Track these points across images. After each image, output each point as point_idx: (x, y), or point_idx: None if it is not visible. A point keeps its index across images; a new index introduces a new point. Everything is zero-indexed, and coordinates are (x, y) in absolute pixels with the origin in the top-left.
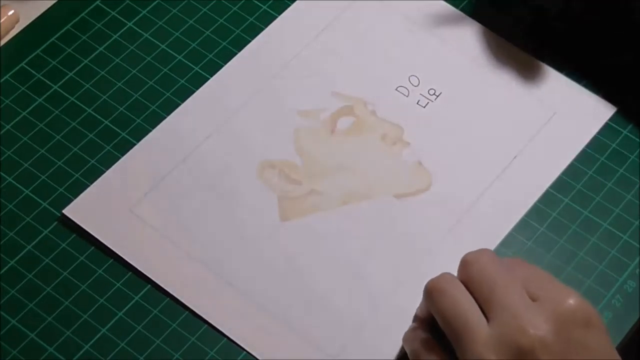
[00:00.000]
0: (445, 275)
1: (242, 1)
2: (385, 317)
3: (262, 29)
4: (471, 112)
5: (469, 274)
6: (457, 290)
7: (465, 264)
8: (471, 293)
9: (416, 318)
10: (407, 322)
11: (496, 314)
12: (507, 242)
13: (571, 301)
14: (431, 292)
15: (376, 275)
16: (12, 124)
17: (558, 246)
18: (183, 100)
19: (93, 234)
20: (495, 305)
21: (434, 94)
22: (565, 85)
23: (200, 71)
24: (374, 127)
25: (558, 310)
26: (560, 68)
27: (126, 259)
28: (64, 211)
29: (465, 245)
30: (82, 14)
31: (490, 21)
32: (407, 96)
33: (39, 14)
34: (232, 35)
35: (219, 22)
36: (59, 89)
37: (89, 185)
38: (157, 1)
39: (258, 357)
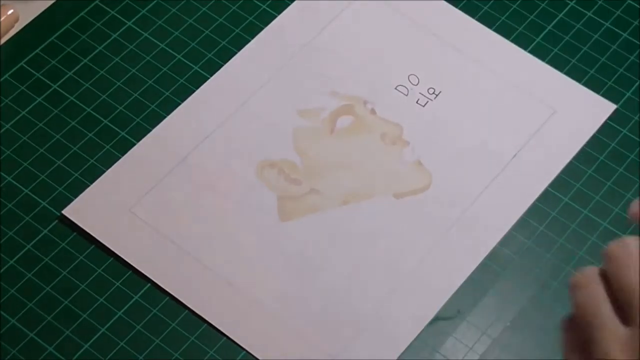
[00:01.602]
0: (587, 271)
1: (242, 0)
2: (384, 317)
3: (262, 29)
4: (471, 111)
5: (610, 269)
6: (593, 289)
7: (608, 257)
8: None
9: None
10: (406, 322)
11: (635, 318)
12: (507, 242)
13: None
14: (572, 287)
15: (375, 275)
16: (11, 123)
17: (558, 246)
18: (182, 100)
19: (92, 234)
20: (634, 310)
21: (433, 93)
22: (565, 84)
23: (200, 70)
24: (374, 126)
25: None
26: (560, 67)
27: (126, 259)
28: (63, 212)
29: (465, 245)
30: (82, 14)
31: (490, 20)
32: (406, 95)
33: (38, 13)
34: (232, 35)
35: (218, 22)
36: (58, 89)
37: (88, 185)
38: (156, 0)
39: (258, 356)
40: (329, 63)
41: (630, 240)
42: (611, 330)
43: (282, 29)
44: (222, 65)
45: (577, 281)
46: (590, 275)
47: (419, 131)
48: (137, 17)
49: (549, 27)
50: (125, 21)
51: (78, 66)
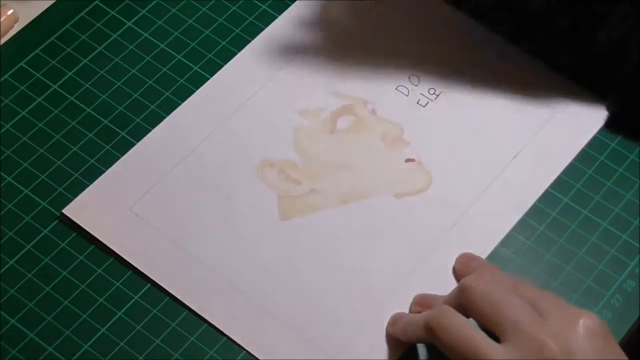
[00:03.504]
0: (442, 310)
1: (242, 1)
2: (384, 317)
3: (262, 29)
4: (471, 111)
5: (471, 298)
6: (459, 323)
7: (465, 289)
8: (475, 318)
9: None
10: None
11: (509, 334)
12: (507, 242)
13: (587, 316)
14: (434, 330)
15: (375, 275)
16: (11, 123)
17: (557, 246)
18: (183, 100)
19: (92, 233)
20: (506, 325)
21: (434, 93)
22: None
23: (200, 71)
24: (374, 127)
25: (576, 324)
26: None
27: (126, 258)
28: (63, 211)
29: (465, 245)
30: (82, 14)
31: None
32: (407, 95)
33: (38, 13)
34: (232, 35)
35: (218, 22)
36: (58, 89)
37: (88, 185)
38: (156, 0)
39: (258, 356)
40: (329, 63)
41: (482, 272)
42: (495, 356)
43: (283, 29)
44: (222, 66)
45: (439, 323)
46: (449, 314)
47: (419, 131)
48: (137, 17)
49: None
50: (125, 21)
51: (78, 66)
